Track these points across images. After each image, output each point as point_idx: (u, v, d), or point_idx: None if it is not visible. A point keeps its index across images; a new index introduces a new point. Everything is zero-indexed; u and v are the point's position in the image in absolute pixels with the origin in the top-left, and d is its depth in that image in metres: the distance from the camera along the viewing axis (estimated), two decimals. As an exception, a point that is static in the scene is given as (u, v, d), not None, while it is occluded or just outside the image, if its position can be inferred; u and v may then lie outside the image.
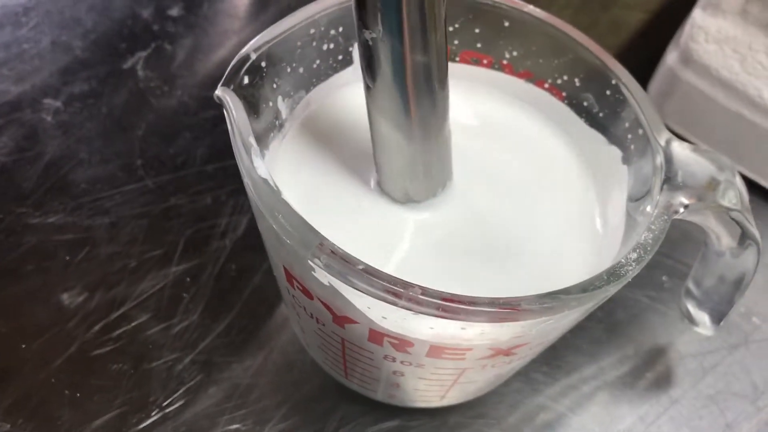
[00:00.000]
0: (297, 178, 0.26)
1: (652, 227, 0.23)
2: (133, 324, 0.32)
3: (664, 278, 0.37)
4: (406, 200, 0.25)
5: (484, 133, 0.29)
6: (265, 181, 0.21)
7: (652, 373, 0.34)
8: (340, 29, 0.26)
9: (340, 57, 0.27)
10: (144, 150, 0.38)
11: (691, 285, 0.30)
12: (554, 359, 0.33)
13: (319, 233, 0.20)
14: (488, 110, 0.30)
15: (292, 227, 0.20)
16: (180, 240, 0.35)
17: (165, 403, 0.30)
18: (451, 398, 0.30)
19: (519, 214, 0.27)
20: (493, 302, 0.20)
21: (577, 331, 0.34)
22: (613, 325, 0.35)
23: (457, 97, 0.30)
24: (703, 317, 0.30)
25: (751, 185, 0.41)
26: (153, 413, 0.30)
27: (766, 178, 0.41)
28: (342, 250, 0.20)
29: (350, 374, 0.28)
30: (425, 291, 0.20)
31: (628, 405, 0.33)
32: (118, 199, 0.36)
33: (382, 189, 0.26)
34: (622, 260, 0.22)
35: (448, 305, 0.20)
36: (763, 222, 0.40)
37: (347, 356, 0.26)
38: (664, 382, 0.34)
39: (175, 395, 0.30)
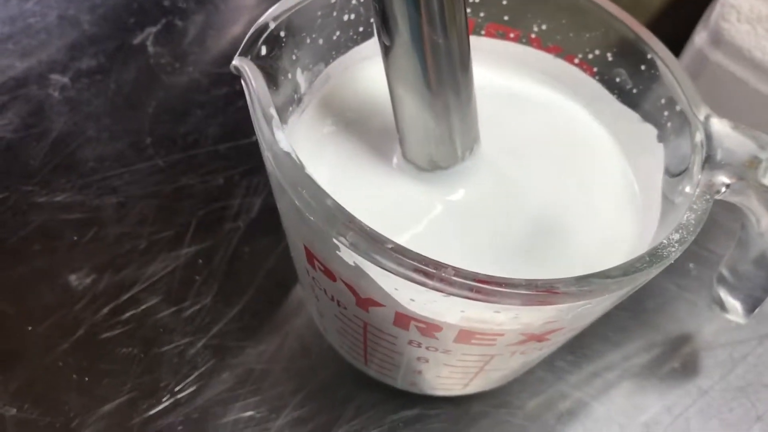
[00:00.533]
0: (316, 155, 0.25)
1: (695, 207, 0.22)
2: (143, 307, 0.31)
3: (690, 265, 0.36)
4: (432, 167, 0.24)
5: (511, 106, 0.28)
6: (288, 154, 0.20)
7: (680, 363, 0.33)
8: (361, -1, 0.25)
9: (361, 29, 0.26)
10: (154, 128, 0.36)
11: (724, 270, 0.29)
12: (579, 347, 0.32)
13: (346, 210, 0.19)
14: (515, 85, 0.29)
15: (316, 203, 0.19)
16: (191, 221, 0.33)
17: (177, 389, 0.29)
18: (475, 386, 0.28)
19: (553, 188, 0.25)
20: (529, 284, 0.19)
21: (603, 318, 0.33)
22: (639, 313, 0.34)
23: (483, 70, 0.28)
24: (735, 305, 0.29)
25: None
26: (164, 399, 0.29)
27: (796, 163, 0.39)
28: (370, 227, 0.19)
29: (370, 360, 0.27)
30: (458, 272, 0.19)
31: (655, 395, 0.32)
32: (127, 178, 0.34)
33: (406, 157, 0.24)
34: (665, 241, 0.21)
35: (482, 287, 0.19)
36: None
37: (368, 341, 0.25)
38: (692, 372, 0.32)
39: (187, 380, 0.29)
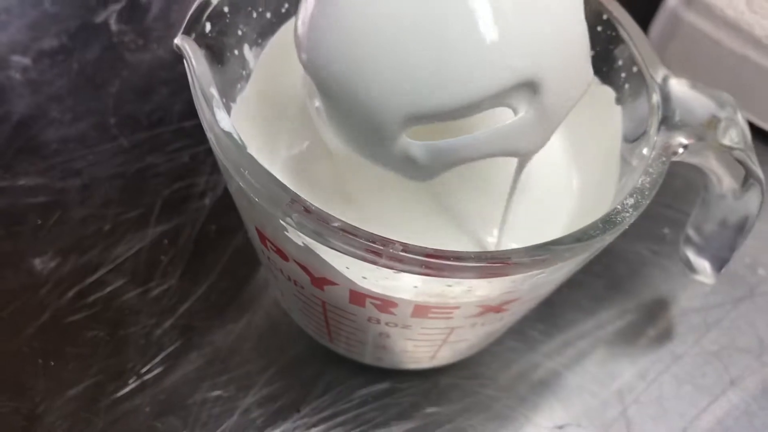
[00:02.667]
0: (262, 129, 0.25)
1: (650, 170, 0.21)
2: (108, 289, 0.30)
3: (666, 230, 0.35)
4: None
5: None
6: (229, 134, 0.19)
7: (654, 329, 0.32)
8: (311, -32, 0.24)
9: (312, -1, 0.25)
10: (118, 107, 0.36)
11: (690, 231, 0.29)
12: (551, 316, 0.32)
13: (290, 189, 0.19)
14: None
15: (260, 184, 0.19)
16: (157, 200, 0.33)
17: (143, 371, 0.29)
18: (442, 358, 0.28)
19: None
20: (480, 257, 0.19)
21: (575, 286, 0.33)
22: (613, 280, 0.34)
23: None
24: (703, 265, 0.29)
25: (758, 132, 0.40)
26: (130, 381, 0.29)
27: (772, 123, 0.39)
28: (316, 207, 0.18)
29: (335, 338, 0.27)
30: (407, 248, 0.18)
31: (629, 362, 0.31)
32: (91, 160, 0.34)
33: None
34: (618, 207, 0.20)
35: (432, 261, 0.18)
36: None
37: (330, 320, 0.25)
38: (666, 338, 0.32)
39: (154, 362, 0.29)
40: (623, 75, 0.25)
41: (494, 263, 0.19)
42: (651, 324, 0.33)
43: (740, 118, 0.23)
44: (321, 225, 0.18)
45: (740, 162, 0.23)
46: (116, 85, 0.37)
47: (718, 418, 0.30)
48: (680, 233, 0.35)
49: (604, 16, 0.25)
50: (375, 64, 0.17)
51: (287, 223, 0.19)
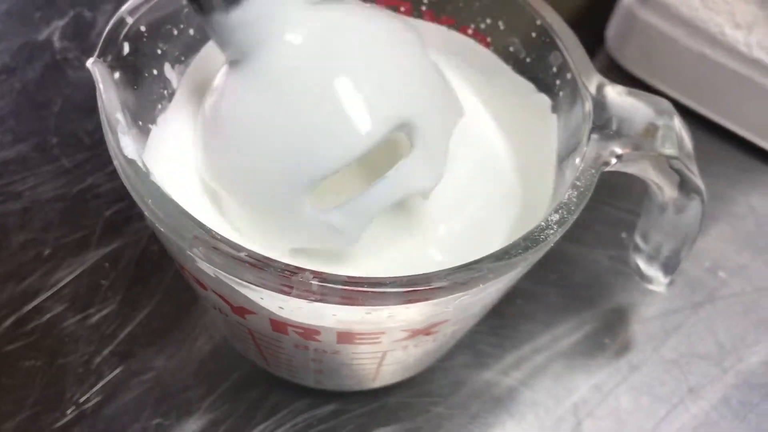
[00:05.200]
0: (184, 148, 0.24)
1: (578, 183, 0.21)
2: (47, 316, 0.30)
3: (623, 235, 0.35)
4: None
5: None
6: (132, 162, 0.19)
7: (611, 338, 0.32)
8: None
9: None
10: (60, 127, 0.35)
11: (638, 240, 0.28)
12: (504, 329, 0.31)
13: (197, 220, 0.18)
14: None
15: (164, 214, 0.18)
16: (98, 222, 0.32)
17: (82, 400, 0.28)
18: (385, 380, 0.27)
19: None
20: (397, 282, 0.18)
21: (530, 297, 0.32)
22: (569, 288, 0.33)
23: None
24: (654, 273, 0.28)
25: (716, 128, 0.39)
26: (69, 411, 0.28)
27: (731, 120, 0.38)
28: (223, 236, 0.18)
29: (272, 363, 0.26)
30: (320, 276, 0.17)
31: (585, 375, 0.31)
32: (31, 182, 0.33)
33: None
34: (542, 223, 0.20)
35: (347, 289, 0.18)
36: (728, 166, 0.38)
37: (261, 346, 0.24)
38: (624, 347, 0.31)
39: (93, 390, 0.28)
40: (558, 82, 0.24)
41: (412, 288, 0.18)
42: (609, 334, 0.32)
43: (677, 124, 0.23)
44: (227, 258, 0.18)
45: (677, 172, 0.22)
46: (59, 104, 0.36)
47: (677, 429, 0.30)
48: (637, 239, 0.34)
49: (538, 22, 0.24)
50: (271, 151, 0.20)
51: (195, 255, 0.18)
